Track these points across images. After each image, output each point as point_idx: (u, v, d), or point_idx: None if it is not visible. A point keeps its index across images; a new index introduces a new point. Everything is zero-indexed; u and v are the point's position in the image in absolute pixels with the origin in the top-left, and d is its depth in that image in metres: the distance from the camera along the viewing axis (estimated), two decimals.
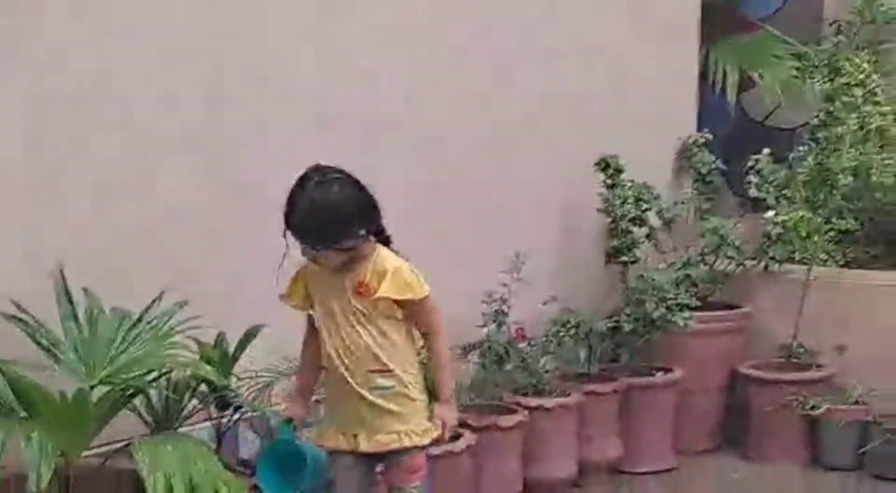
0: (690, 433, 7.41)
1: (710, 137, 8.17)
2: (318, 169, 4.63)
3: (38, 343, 4.76)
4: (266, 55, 5.99)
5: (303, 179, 4.62)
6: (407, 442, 4.67)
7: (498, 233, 6.92)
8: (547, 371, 6.72)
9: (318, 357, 4.77)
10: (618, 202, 7.37)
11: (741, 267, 7.73)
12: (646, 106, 7.88)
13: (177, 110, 5.61)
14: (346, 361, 4.63)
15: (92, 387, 4.65)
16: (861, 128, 7.65)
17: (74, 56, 5.23)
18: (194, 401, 5.16)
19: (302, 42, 6.15)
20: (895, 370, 7.08)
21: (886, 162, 7.50)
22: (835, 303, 7.52)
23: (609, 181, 7.35)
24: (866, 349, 7.29)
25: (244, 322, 5.43)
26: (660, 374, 7.25)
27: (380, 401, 4.64)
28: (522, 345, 6.55)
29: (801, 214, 7.52)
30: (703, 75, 8.67)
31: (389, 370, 4.64)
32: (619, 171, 7.32)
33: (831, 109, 7.67)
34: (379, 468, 4.81)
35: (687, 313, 7.15)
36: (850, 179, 7.49)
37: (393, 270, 4.61)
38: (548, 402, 6.58)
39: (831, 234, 7.58)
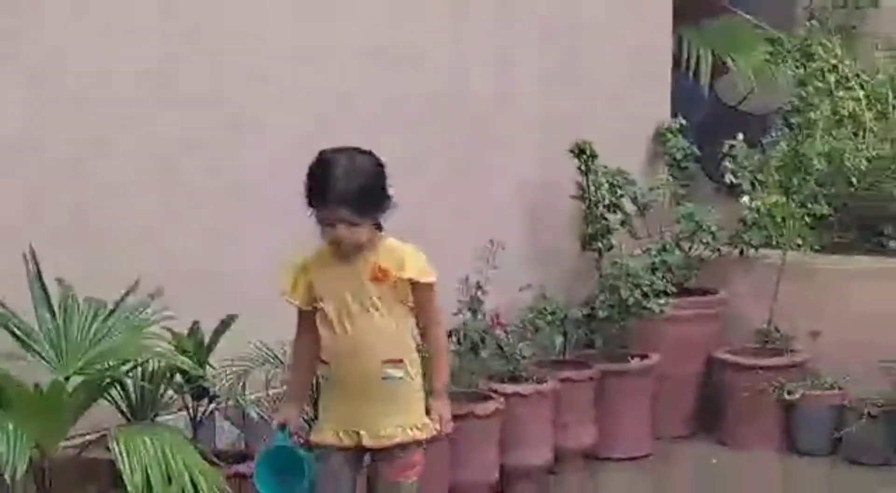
0: (666, 419, 7.42)
1: (684, 122, 8.16)
2: (330, 149, 4.61)
3: (12, 333, 4.73)
4: (266, 55, 5.98)
5: (324, 154, 4.58)
6: (410, 436, 4.60)
7: (472, 220, 6.90)
8: (523, 358, 6.70)
9: (312, 357, 4.69)
10: (592, 188, 7.36)
11: (716, 253, 7.74)
12: (620, 92, 7.86)
13: (177, 110, 5.61)
14: (360, 351, 4.53)
15: (67, 378, 4.63)
16: (834, 113, 7.65)
17: (74, 56, 5.23)
18: (170, 391, 5.14)
19: (302, 42, 6.14)
20: (869, 355, 7.08)
21: (860, 147, 7.50)
22: (809, 288, 7.54)
23: (583, 167, 7.33)
24: (841, 334, 7.30)
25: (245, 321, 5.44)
26: (635, 360, 7.25)
27: (389, 393, 4.56)
28: (498, 332, 6.53)
29: (775, 199, 7.53)
30: (677, 61, 8.66)
31: (400, 360, 4.57)
32: (593, 156, 7.30)
33: (804, 94, 7.67)
34: (366, 460, 4.73)
35: (662, 299, 7.15)
36: (824, 164, 7.49)
37: (409, 252, 4.57)
38: (524, 389, 6.57)
39: (806, 219, 7.59)
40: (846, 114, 7.67)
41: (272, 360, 5.52)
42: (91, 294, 5.03)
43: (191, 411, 5.29)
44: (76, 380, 4.63)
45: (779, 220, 7.52)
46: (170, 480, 4.45)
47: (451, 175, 6.90)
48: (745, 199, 7.65)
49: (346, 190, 4.45)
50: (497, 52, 7.16)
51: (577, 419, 6.89)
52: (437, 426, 4.69)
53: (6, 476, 4.20)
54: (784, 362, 7.40)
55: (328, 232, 4.48)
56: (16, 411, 4.40)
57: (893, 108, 7.81)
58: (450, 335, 6.37)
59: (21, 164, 5.08)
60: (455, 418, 6.01)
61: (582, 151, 7.30)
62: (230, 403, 5.40)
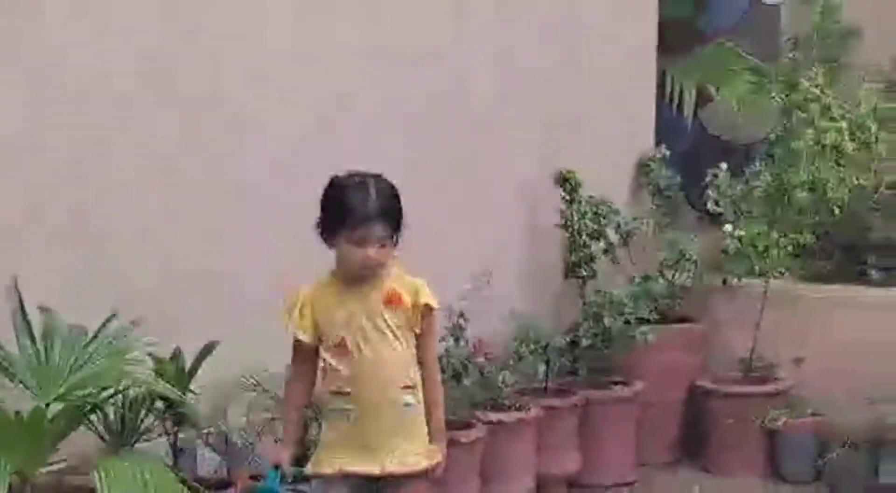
0: (650, 447, 7.45)
1: (667, 152, 8.20)
2: (345, 174, 4.55)
3: None
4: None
5: (347, 177, 4.51)
6: (424, 464, 4.57)
7: (457, 247, 6.93)
8: (506, 386, 6.72)
9: (306, 395, 4.65)
10: (576, 217, 7.39)
11: (699, 281, 7.76)
12: (604, 121, 7.91)
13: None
14: (381, 377, 4.47)
15: (47, 404, 4.63)
16: (817, 143, 7.68)
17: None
18: (151, 417, 5.15)
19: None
20: (852, 383, 7.11)
21: (842, 177, 7.53)
22: (792, 316, 7.57)
23: (567, 196, 7.36)
24: (823, 362, 7.33)
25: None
26: (619, 388, 7.28)
27: (407, 419, 4.53)
28: (481, 360, 6.55)
29: (758, 228, 7.57)
30: (661, 90, 8.70)
31: (414, 386, 4.55)
32: (577, 186, 7.34)
33: (788, 123, 7.71)
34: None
35: (646, 328, 7.19)
36: (807, 193, 7.53)
37: (418, 280, 4.55)
38: (507, 417, 6.59)
39: (788, 248, 7.62)
40: (829, 144, 7.69)
41: (254, 386, 5.55)
42: (89, 296, 5.12)
43: (171, 437, 5.31)
44: (57, 407, 4.63)
45: (761, 249, 7.54)
46: None
47: (435, 203, 6.92)
48: (728, 228, 7.68)
49: (382, 208, 4.42)
50: (482, 81, 7.20)
51: (560, 446, 6.92)
52: (438, 459, 4.65)
53: None
54: (767, 389, 7.44)
55: (357, 254, 4.41)
56: None
57: (876, 138, 7.82)
58: None
59: (21, 164, 5.12)
60: None
61: (566, 180, 7.34)
62: (211, 429, 5.41)
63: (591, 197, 7.43)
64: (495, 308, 6.66)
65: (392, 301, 4.49)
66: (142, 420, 5.08)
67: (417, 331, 4.57)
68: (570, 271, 7.47)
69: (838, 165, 7.70)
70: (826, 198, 7.64)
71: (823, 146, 7.66)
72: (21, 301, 4.87)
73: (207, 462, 5.62)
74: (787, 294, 7.65)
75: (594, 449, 7.11)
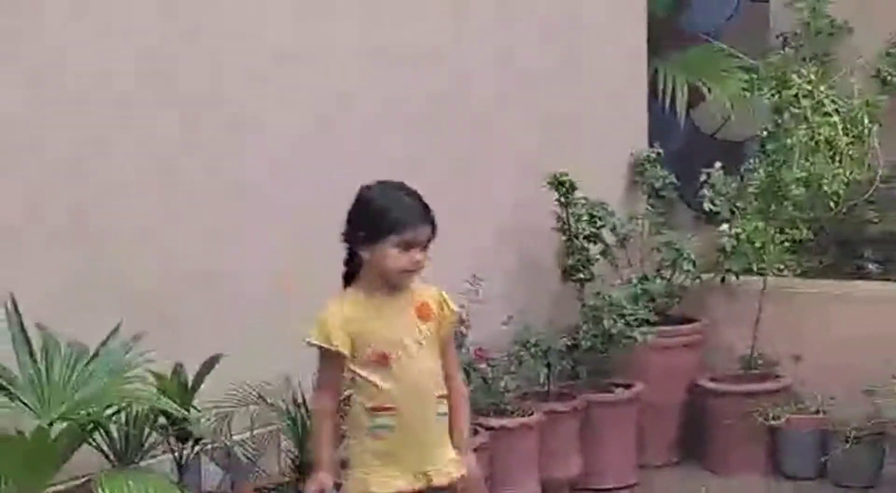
0: (652, 448, 7.45)
1: (661, 151, 8.20)
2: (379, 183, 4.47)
3: None
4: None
5: (386, 185, 4.44)
6: (458, 474, 4.49)
7: (454, 253, 6.90)
8: (508, 391, 6.72)
9: (336, 414, 4.49)
10: (572, 220, 7.39)
11: (697, 280, 7.76)
12: (597, 123, 7.91)
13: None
14: (422, 390, 4.39)
15: (50, 424, 4.62)
16: (811, 138, 7.68)
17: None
18: (154, 434, 5.14)
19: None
20: (851, 378, 7.10)
21: (836, 172, 7.54)
22: (791, 313, 7.57)
23: (562, 199, 7.36)
24: (823, 358, 7.33)
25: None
26: (619, 390, 7.28)
27: (442, 429, 4.46)
28: (482, 366, 6.54)
29: (754, 225, 7.56)
30: (653, 90, 8.71)
31: (445, 395, 4.48)
32: (571, 188, 7.33)
33: (780, 120, 7.71)
34: None
35: (645, 328, 7.18)
36: (802, 189, 7.53)
37: (437, 288, 4.50)
38: (509, 422, 6.59)
39: (785, 244, 7.62)
40: (822, 139, 7.69)
41: (256, 400, 5.54)
42: (90, 296, 5.14)
43: (176, 453, 5.29)
44: (59, 426, 4.62)
45: (758, 246, 7.54)
46: None
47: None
48: (725, 226, 7.68)
49: (427, 210, 4.40)
50: (477, 84, 7.20)
51: (562, 450, 6.91)
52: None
53: None
54: (767, 387, 7.43)
55: (402, 259, 4.33)
56: (0, 458, 4.40)
57: (869, 132, 7.83)
58: None
59: (21, 164, 5.11)
60: None
61: (560, 184, 7.33)
62: (215, 444, 5.41)
63: (586, 199, 7.42)
64: (494, 311, 6.65)
65: (424, 313, 4.44)
66: (145, 437, 5.07)
67: (445, 340, 4.52)
68: (568, 273, 7.46)
69: (832, 159, 7.71)
70: (821, 193, 7.64)
71: (817, 142, 7.66)
72: (20, 319, 4.86)
73: (212, 477, 5.61)
74: (785, 291, 7.65)
75: (596, 452, 7.11)
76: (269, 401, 5.53)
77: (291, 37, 6.14)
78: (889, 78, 8.67)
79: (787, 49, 8.59)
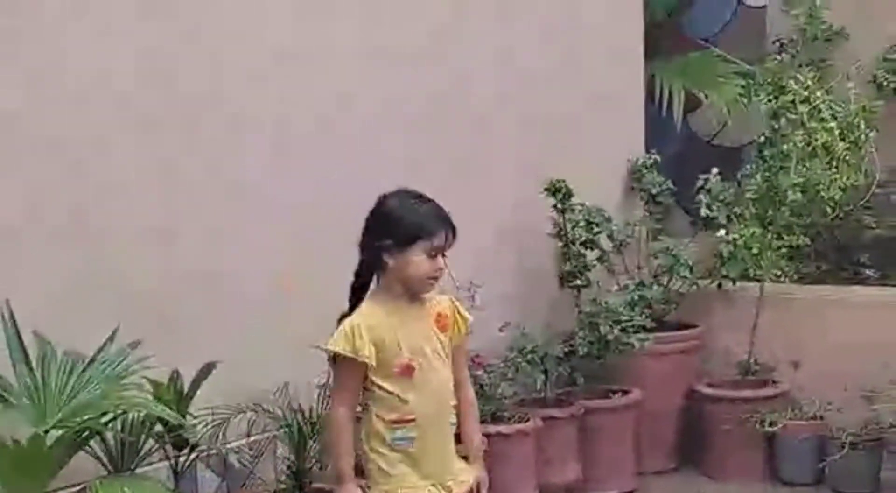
0: (650, 454, 7.44)
1: (658, 157, 8.19)
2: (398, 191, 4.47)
3: None
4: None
5: (407, 192, 4.44)
6: (471, 481, 4.51)
7: (451, 260, 6.90)
8: (505, 398, 6.70)
9: (353, 423, 4.43)
10: (569, 226, 7.38)
11: (694, 286, 7.75)
12: (594, 128, 7.91)
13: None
14: (442, 402, 4.39)
15: (46, 431, 4.61)
16: (808, 144, 7.68)
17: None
18: (151, 441, 5.13)
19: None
20: (849, 384, 7.10)
21: (833, 177, 7.53)
22: (788, 319, 7.57)
23: (559, 205, 7.35)
24: (820, 364, 7.33)
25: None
26: (617, 396, 7.28)
27: (452, 438, 4.46)
28: (479, 373, 6.53)
29: (751, 231, 7.56)
30: (650, 96, 8.71)
31: (456, 404, 4.49)
32: (568, 194, 7.33)
33: (777, 126, 7.71)
34: None
35: (642, 335, 7.18)
36: (799, 195, 7.53)
37: (448, 297, 4.50)
38: (506, 429, 6.57)
39: (782, 250, 7.62)
40: (819, 145, 7.69)
41: (252, 407, 5.54)
42: (89, 296, 5.15)
43: (172, 461, 5.28)
44: (55, 433, 4.61)
45: (755, 252, 7.54)
46: None
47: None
48: (722, 232, 7.67)
49: (449, 217, 4.41)
50: (473, 92, 7.20)
51: (560, 456, 6.90)
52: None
53: None
54: (765, 393, 7.42)
55: (426, 265, 4.32)
56: None
57: (866, 137, 7.83)
58: None
59: (21, 164, 5.11)
60: None
61: (557, 190, 7.32)
62: (211, 451, 5.40)
63: (583, 205, 7.41)
64: (491, 318, 6.64)
65: (442, 323, 4.44)
66: (142, 444, 5.06)
67: (457, 348, 4.51)
68: (565, 279, 7.45)
69: (829, 165, 7.70)
70: (818, 199, 7.64)
71: (814, 147, 7.66)
72: (17, 327, 4.84)
73: (208, 484, 5.60)
74: (782, 296, 7.65)
75: (594, 458, 7.09)
76: (265, 407, 5.52)
77: (291, 37, 6.16)
78: (886, 83, 8.66)
79: (783, 55, 8.57)
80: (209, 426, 5.39)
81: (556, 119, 7.68)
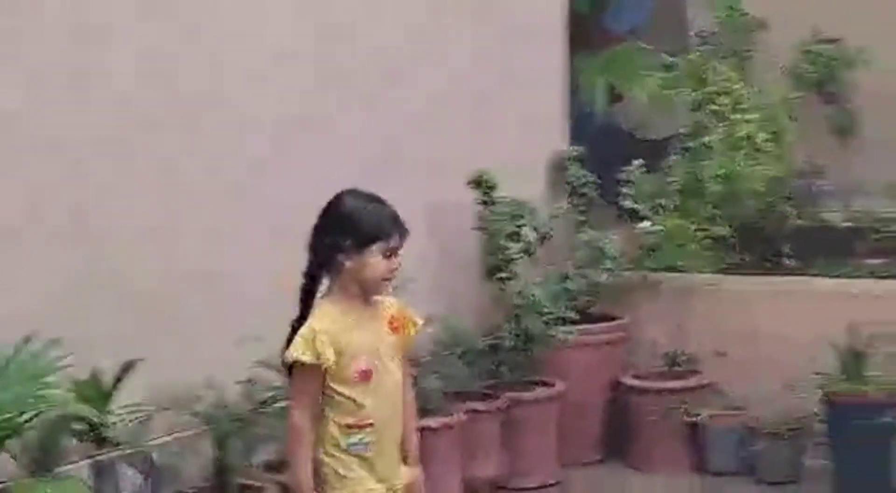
0: (576, 446, 7.44)
1: (582, 150, 8.20)
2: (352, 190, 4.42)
3: None
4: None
5: (361, 192, 4.38)
6: (409, 479, 4.44)
7: None
8: (431, 391, 6.68)
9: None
10: (493, 219, 7.37)
11: (619, 278, 7.77)
12: (518, 121, 7.90)
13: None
14: (395, 405, 4.34)
15: None
16: (729, 136, 7.73)
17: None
18: (72, 440, 5.07)
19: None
20: (774, 374, 7.14)
21: (755, 168, 7.58)
22: (713, 309, 7.61)
23: (483, 198, 7.34)
24: (745, 354, 7.38)
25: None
26: (542, 388, 7.28)
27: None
28: None
29: (675, 222, 7.59)
30: (573, 89, 8.71)
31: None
32: (492, 187, 7.32)
33: (699, 118, 7.74)
34: None
35: (567, 327, 7.19)
36: (721, 186, 7.56)
37: (395, 299, 4.44)
38: (432, 422, 6.55)
39: (705, 241, 7.65)
40: (741, 136, 7.74)
41: (176, 404, 5.50)
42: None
43: (93, 459, 5.23)
44: None
45: (679, 243, 7.58)
46: None
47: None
48: (646, 223, 7.70)
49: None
50: (396, 86, 7.18)
51: (485, 449, 6.90)
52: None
53: None
54: (690, 383, 7.46)
55: (383, 266, 4.27)
56: None
57: (787, 129, 7.89)
58: None
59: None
60: None
61: (481, 182, 7.31)
62: (133, 449, 5.34)
63: (507, 198, 7.41)
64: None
65: (394, 325, 4.38)
66: (62, 443, 4.99)
67: (405, 352, 4.47)
68: (490, 272, 7.44)
69: (751, 156, 7.75)
70: (740, 189, 7.68)
71: (736, 139, 7.71)
72: None
73: (130, 483, 5.53)
74: (706, 288, 7.69)
75: (518, 451, 7.11)
76: (188, 405, 5.48)
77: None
78: (805, 75, 8.73)
79: (705, 47, 8.61)
80: (131, 424, 5.33)
81: (480, 112, 7.67)
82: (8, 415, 4.66)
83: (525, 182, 7.75)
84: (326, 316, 4.25)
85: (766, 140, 7.69)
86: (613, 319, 7.78)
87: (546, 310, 7.15)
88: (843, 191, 8.37)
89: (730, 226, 7.80)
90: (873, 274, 7.64)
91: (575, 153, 8.19)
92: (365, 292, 4.31)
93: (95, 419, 4.92)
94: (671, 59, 8.72)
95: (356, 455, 4.29)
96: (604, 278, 7.72)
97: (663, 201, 7.86)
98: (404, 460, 4.47)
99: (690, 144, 7.85)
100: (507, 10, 7.92)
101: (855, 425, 6.74)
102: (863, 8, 8.57)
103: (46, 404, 4.73)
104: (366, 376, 4.24)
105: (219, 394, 5.63)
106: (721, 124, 7.72)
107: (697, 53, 8.32)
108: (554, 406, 7.25)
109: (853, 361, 6.87)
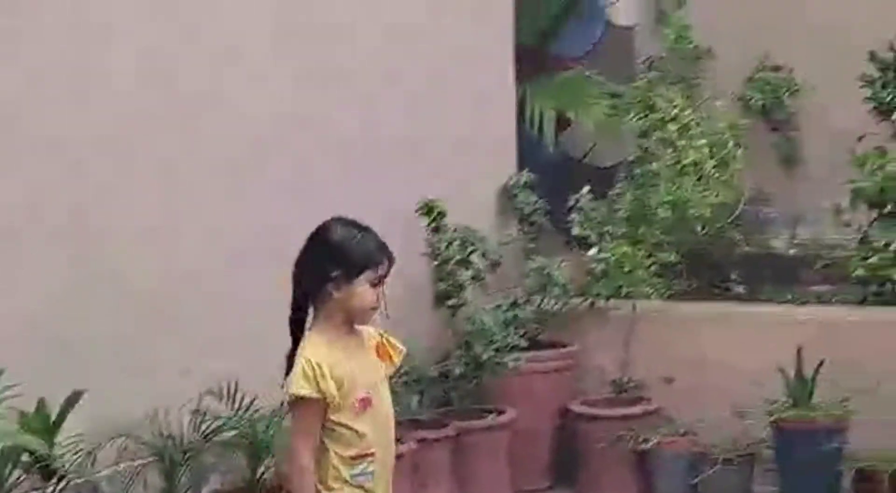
0: (525, 473, 7.44)
1: (531, 177, 8.20)
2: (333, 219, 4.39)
3: None
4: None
5: (347, 222, 4.36)
6: None
7: None
8: None
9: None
10: (443, 246, 7.37)
11: (567, 305, 7.77)
12: (466, 149, 7.90)
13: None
14: (390, 432, 4.33)
15: None
16: (677, 162, 7.76)
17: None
18: (18, 472, 5.02)
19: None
20: (722, 400, 7.16)
21: (703, 195, 7.61)
22: (661, 336, 7.63)
23: (433, 225, 7.34)
24: (693, 381, 7.39)
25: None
26: (492, 416, 7.27)
27: None
28: None
29: (623, 249, 7.61)
30: (521, 116, 8.73)
31: None
32: (442, 214, 7.32)
33: (647, 145, 7.78)
34: None
35: (516, 355, 7.19)
36: (669, 212, 7.59)
37: (378, 329, 4.42)
38: None
39: (653, 268, 7.68)
40: (689, 163, 7.78)
41: (123, 434, 5.45)
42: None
43: (40, 491, 5.17)
44: None
45: (627, 270, 7.60)
46: None
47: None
48: (594, 250, 7.71)
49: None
50: (343, 112, 7.16)
51: (435, 478, 6.88)
52: None
53: None
54: (638, 410, 7.47)
55: (371, 295, 4.24)
56: None
57: (734, 155, 7.94)
58: None
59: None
60: None
61: (430, 210, 7.31)
62: (81, 480, 5.29)
63: (456, 225, 7.40)
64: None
65: (381, 352, 4.37)
66: (8, 476, 4.93)
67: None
68: (440, 300, 7.43)
69: (699, 183, 7.79)
70: (688, 216, 7.72)
71: (684, 165, 7.74)
72: None
73: None
74: (654, 314, 7.70)
75: (468, 478, 7.09)
76: (135, 435, 5.43)
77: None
78: (752, 102, 8.79)
79: (652, 74, 8.65)
80: (78, 455, 5.28)
81: (427, 140, 7.66)
82: None
83: (474, 209, 7.76)
84: (318, 347, 4.20)
85: (714, 167, 7.73)
86: (562, 346, 7.79)
87: (495, 337, 7.15)
88: (789, 218, 8.43)
89: (677, 252, 7.83)
90: (820, 300, 7.70)
91: (524, 180, 8.19)
92: (350, 322, 4.29)
93: (42, 451, 4.86)
94: (618, 86, 8.77)
95: (359, 486, 4.25)
96: (552, 305, 7.73)
97: (611, 228, 7.88)
98: None
99: (638, 170, 7.87)
100: (455, 39, 7.92)
101: (803, 451, 6.78)
102: (808, 37, 8.65)
103: None
104: (366, 404, 4.22)
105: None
106: (669, 151, 7.75)
107: (645, 80, 8.35)
108: (504, 434, 7.24)
109: (801, 387, 6.92)
